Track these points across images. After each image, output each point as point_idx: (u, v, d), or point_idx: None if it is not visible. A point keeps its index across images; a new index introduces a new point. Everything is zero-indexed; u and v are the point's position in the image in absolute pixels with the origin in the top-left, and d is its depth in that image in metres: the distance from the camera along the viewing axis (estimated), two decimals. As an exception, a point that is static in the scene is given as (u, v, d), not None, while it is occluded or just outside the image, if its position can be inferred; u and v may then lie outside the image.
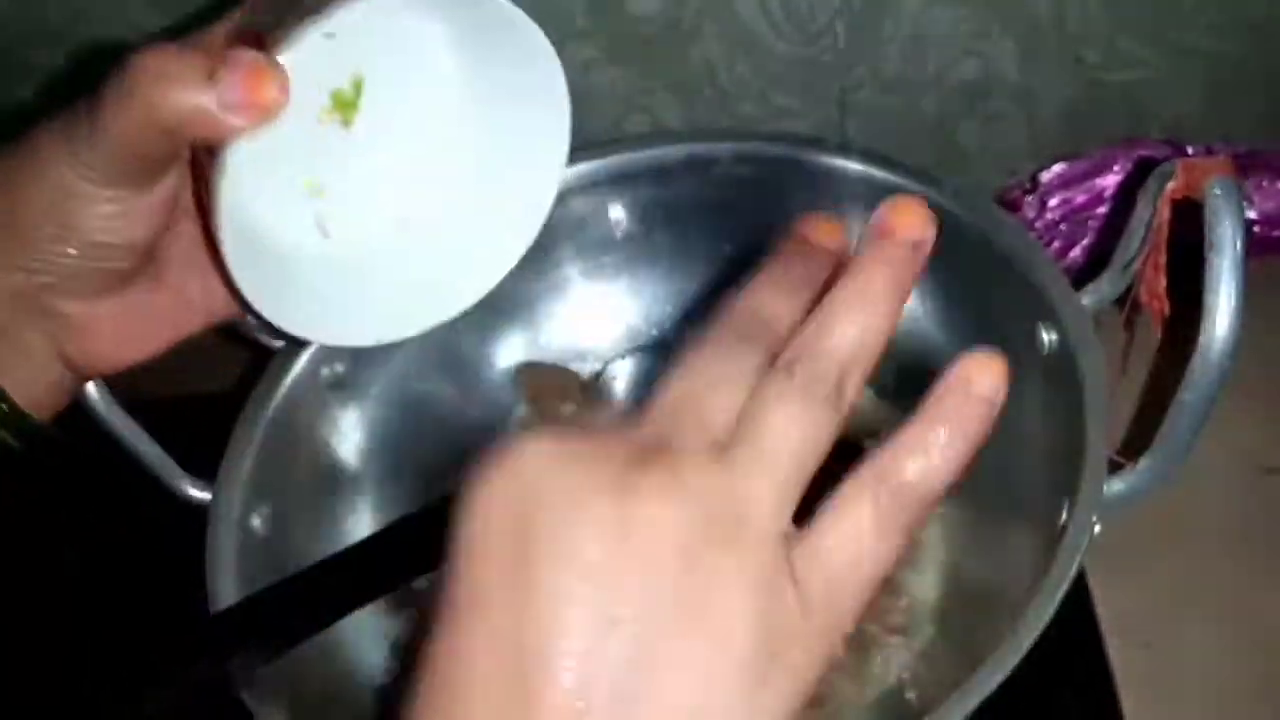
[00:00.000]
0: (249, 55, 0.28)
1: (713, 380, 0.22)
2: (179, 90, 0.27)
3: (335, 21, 0.30)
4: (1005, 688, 0.41)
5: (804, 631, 0.21)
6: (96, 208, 0.30)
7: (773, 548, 0.20)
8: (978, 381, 0.23)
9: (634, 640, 0.19)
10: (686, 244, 0.51)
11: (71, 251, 0.31)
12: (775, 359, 0.22)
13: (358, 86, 0.35)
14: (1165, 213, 0.34)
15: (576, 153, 0.51)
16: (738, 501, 0.20)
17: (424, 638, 0.21)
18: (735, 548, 0.20)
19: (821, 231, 0.28)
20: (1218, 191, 0.31)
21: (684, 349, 0.23)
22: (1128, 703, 0.43)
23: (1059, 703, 0.44)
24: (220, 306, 0.38)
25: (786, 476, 0.21)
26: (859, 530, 0.21)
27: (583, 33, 0.54)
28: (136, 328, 0.35)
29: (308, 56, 0.30)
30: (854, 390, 0.23)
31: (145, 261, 0.34)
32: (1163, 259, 0.35)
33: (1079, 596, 0.46)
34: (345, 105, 0.36)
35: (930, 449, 0.22)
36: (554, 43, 0.54)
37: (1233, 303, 0.30)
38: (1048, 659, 0.44)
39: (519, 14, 0.34)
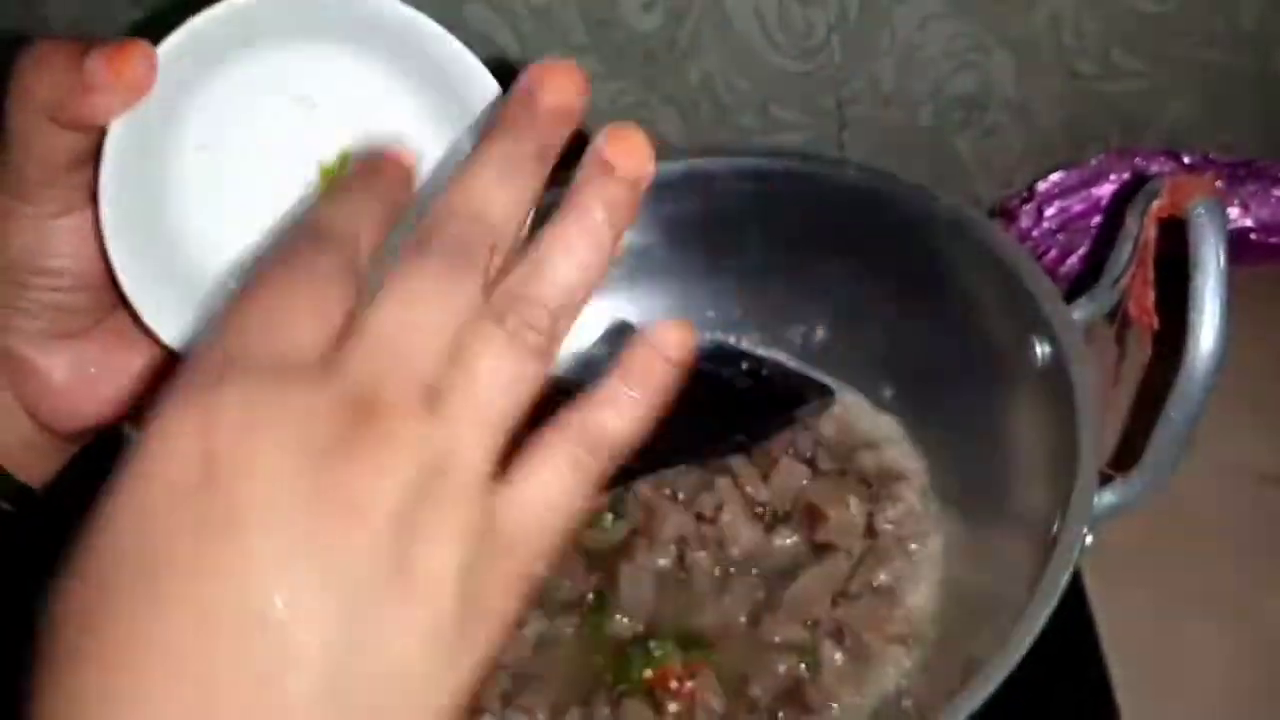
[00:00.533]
0: (126, 40, 0.27)
1: (423, 319, 0.21)
2: (49, 71, 0.26)
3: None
4: (1005, 695, 0.42)
5: (504, 574, 0.21)
6: (26, 227, 0.29)
7: (479, 499, 0.20)
8: (665, 344, 0.24)
9: (342, 614, 0.19)
10: (687, 257, 0.52)
11: (19, 281, 0.29)
12: (490, 284, 0.22)
13: (344, 159, 0.34)
14: (1151, 230, 0.35)
15: (575, 168, 0.52)
16: (447, 455, 0.20)
17: (65, 611, 0.19)
18: (444, 505, 0.20)
19: (553, 85, 0.25)
20: (1201, 212, 0.31)
21: (397, 272, 0.22)
22: (1126, 709, 0.43)
23: (1058, 710, 0.45)
24: None
25: (493, 427, 0.21)
26: (559, 479, 0.22)
27: (582, 47, 0.55)
28: (101, 379, 0.32)
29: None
30: (565, 332, 0.23)
31: (101, 303, 0.31)
32: (1150, 274, 0.36)
33: (1077, 605, 0.46)
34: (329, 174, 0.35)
35: (622, 404, 0.23)
36: (554, 56, 0.55)
37: (1216, 321, 0.31)
38: (1046, 666, 0.44)
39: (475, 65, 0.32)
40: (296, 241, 0.22)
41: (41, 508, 0.34)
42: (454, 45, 0.29)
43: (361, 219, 0.23)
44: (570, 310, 0.22)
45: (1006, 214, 0.57)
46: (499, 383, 0.21)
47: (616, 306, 0.53)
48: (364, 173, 0.25)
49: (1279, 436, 0.51)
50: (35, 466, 0.33)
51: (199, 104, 0.30)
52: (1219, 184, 0.38)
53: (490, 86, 0.30)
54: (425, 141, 0.31)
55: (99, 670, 0.18)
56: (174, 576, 0.18)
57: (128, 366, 0.32)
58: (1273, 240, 0.56)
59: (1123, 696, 0.44)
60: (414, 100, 0.31)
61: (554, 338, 0.22)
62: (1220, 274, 0.31)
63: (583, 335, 0.52)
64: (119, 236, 0.29)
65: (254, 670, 0.18)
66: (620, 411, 0.23)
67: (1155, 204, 0.34)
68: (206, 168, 0.31)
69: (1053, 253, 0.56)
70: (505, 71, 0.31)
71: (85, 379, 0.31)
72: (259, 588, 0.18)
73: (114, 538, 0.19)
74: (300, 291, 0.21)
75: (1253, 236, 0.56)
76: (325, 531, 0.19)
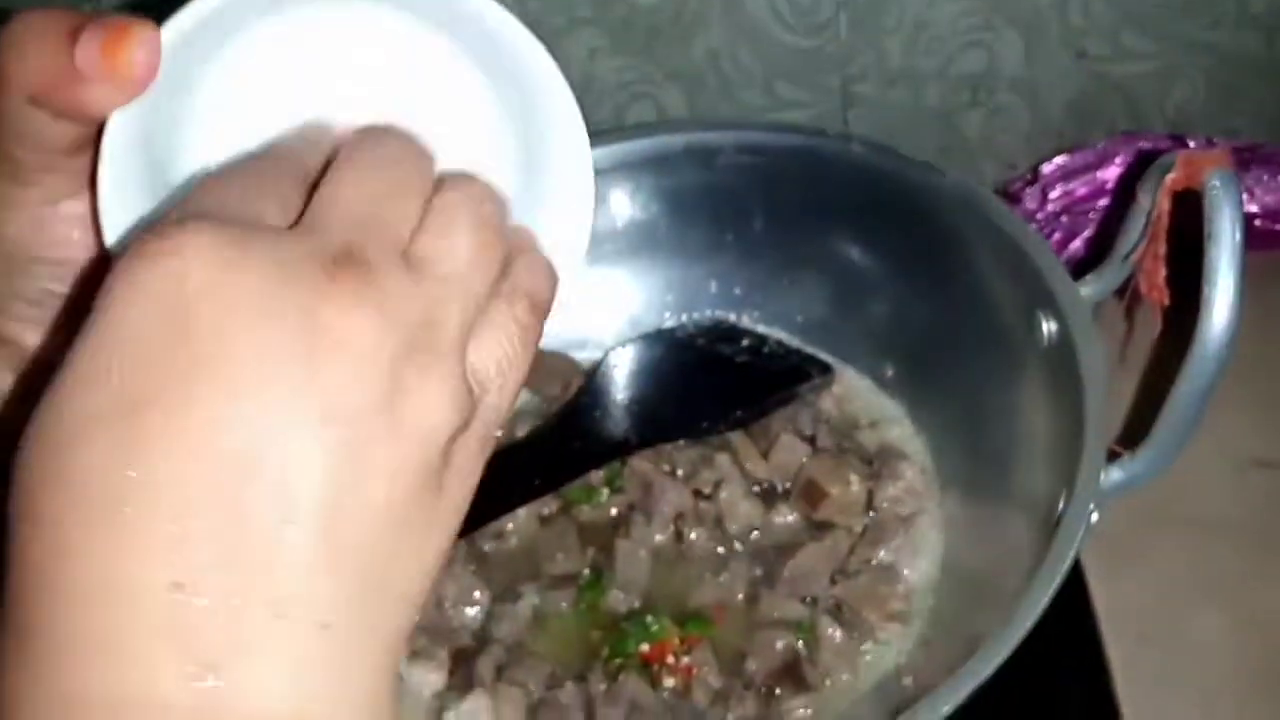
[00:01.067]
0: (120, 17, 0.24)
1: (388, 189, 0.22)
2: (34, 55, 0.23)
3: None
4: (1003, 678, 0.42)
5: (477, 436, 0.22)
6: (23, 213, 0.26)
7: (460, 359, 0.21)
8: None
9: (340, 450, 0.18)
10: (689, 231, 0.51)
11: (19, 269, 0.26)
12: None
13: None
14: (1165, 204, 0.34)
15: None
16: (433, 311, 0.20)
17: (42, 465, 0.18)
18: (430, 359, 0.20)
19: None
20: (1216, 183, 0.31)
21: (352, 147, 0.23)
22: (1124, 693, 0.43)
23: (1056, 693, 0.44)
24: None
25: (474, 295, 0.22)
26: (512, 340, 0.23)
27: (586, 20, 0.54)
28: None
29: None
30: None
31: None
32: (1162, 250, 0.35)
33: (1076, 589, 0.46)
34: None
35: (539, 264, 0.25)
36: (558, 30, 0.54)
37: (1231, 293, 0.31)
38: (1045, 650, 0.44)
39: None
40: (255, 154, 0.23)
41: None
42: (504, 16, 0.24)
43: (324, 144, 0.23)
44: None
45: (1011, 196, 0.57)
46: (477, 252, 0.22)
47: (616, 280, 0.53)
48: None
49: (1277, 422, 0.50)
50: None
51: (212, 77, 0.25)
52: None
53: (548, 67, 0.25)
54: (464, 116, 0.26)
55: (76, 525, 0.18)
56: (161, 419, 0.18)
57: None
58: (1277, 227, 0.56)
59: (1120, 680, 0.44)
60: (459, 74, 0.26)
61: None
62: (1236, 246, 0.31)
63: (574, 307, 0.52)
64: (117, 231, 0.25)
65: (246, 510, 0.18)
66: (538, 269, 0.24)
67: (1169, 177, 0.33)
68: (219, 148, 0.26)
69: (1056, 236, 0.56)
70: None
71: None
72: (254, 427, 0.18)
73: (89, 386, 0.18)
74: (263, 179, 0.22)
75: (1257, 223, 0.55)
76: (320, 370, 0.18)
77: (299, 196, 0.21)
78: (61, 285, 0.27)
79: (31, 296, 0.27)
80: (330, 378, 0.19)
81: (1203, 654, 0.44)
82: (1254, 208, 0.55)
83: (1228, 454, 0.49)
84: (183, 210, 0.20)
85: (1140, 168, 0.36)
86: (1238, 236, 0.31)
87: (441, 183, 0.23)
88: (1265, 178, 0.55)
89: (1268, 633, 0.44)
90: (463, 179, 0.23)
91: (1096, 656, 0.44)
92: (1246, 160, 0.55)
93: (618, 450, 0.45)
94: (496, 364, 0.22)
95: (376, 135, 0.23)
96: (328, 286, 0.19)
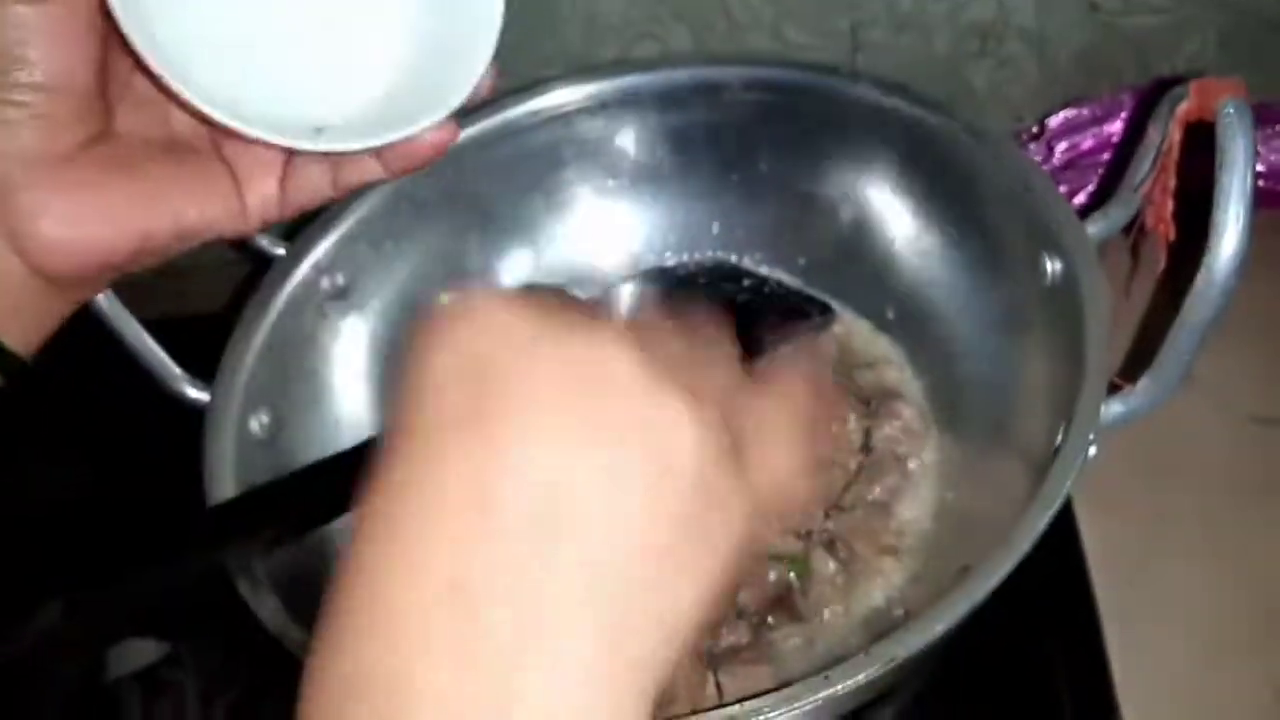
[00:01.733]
0: None
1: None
2: None
3: None
4: (992, 620, 0.42)
5: (733, 503, 0.21)
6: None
7: (724, 405, 0.21)
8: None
9: (608, 473, 0.20)
10: (693, 170, 0.51)
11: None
12: None
13: None
14: (1176, 135, 0.34)
15: (584, 74, 0.51)
16: (695, 350, 0.22)
17: (373, 478, 0.21)
18: (693, 398, 0.21)
19: None
20: (1230, 111, 0.31)
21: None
22: (1112, 638, 0.44)
23: (1044, 638, 0.45)
24: (187, 206, 0.33)
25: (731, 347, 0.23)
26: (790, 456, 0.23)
27: (595, -46, 0.53)
28: (96, 214, 0.31)
29: None
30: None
31: (87, 117, 0.30)
32: (1172, 182, 0.35)
33: (1067, 534, 0.46)
34: None
35: None
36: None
37: (1242, 220, 0.30)
38: (1034, 595, 0.45)
39: None
40: None
41: (33, 381, 0.34)
42: None
43: None
44: None
45: (1016, 148, 0.56)
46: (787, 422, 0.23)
47: (619, 218, 0.52)
48: None
49: (1273, 378, 0.50)
50: (27, 327, 0.31)
51: None
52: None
53: None
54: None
55: (383, 518, 0.20)
56: (449, 443, 0.20)
57: (124, 197, 0.30)
58: (1279, 188, 0.55)
59: (1109, 625, 0.44)
60: None
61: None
62: (1247, 174, 0.30)
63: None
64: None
65: (524, 537, 0.19)
66: None
67: (1181, 107, 0.33)
68: None
69: (1062, 189, 0.55)
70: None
71: (84, 211, 0.30)
72: (533, 449, 0.20)
73: (406, 417, 0.21)
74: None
75: (1261, 183, 0.55)
76: (591, 400, 0.20)
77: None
78: (36, 99, 0.28)
79: (9, 120, 0.28)
80: (583, 409, 0.20)
81: (1191, 602, 0.44)
82: (1260, 167, 0.55)
83: (1227, 409, 0.50)
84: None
85: (1148, 109, 0.36)
86: (1249, 165, 0.30)
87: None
88: (1272, 137, 0.55)
89: (1254, 581, 0.44)
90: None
91: (1086, 602, 0.45)
92: (1257, 119, 0.55)
93: None
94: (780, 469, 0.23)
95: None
96: (589, 326, 0.21)
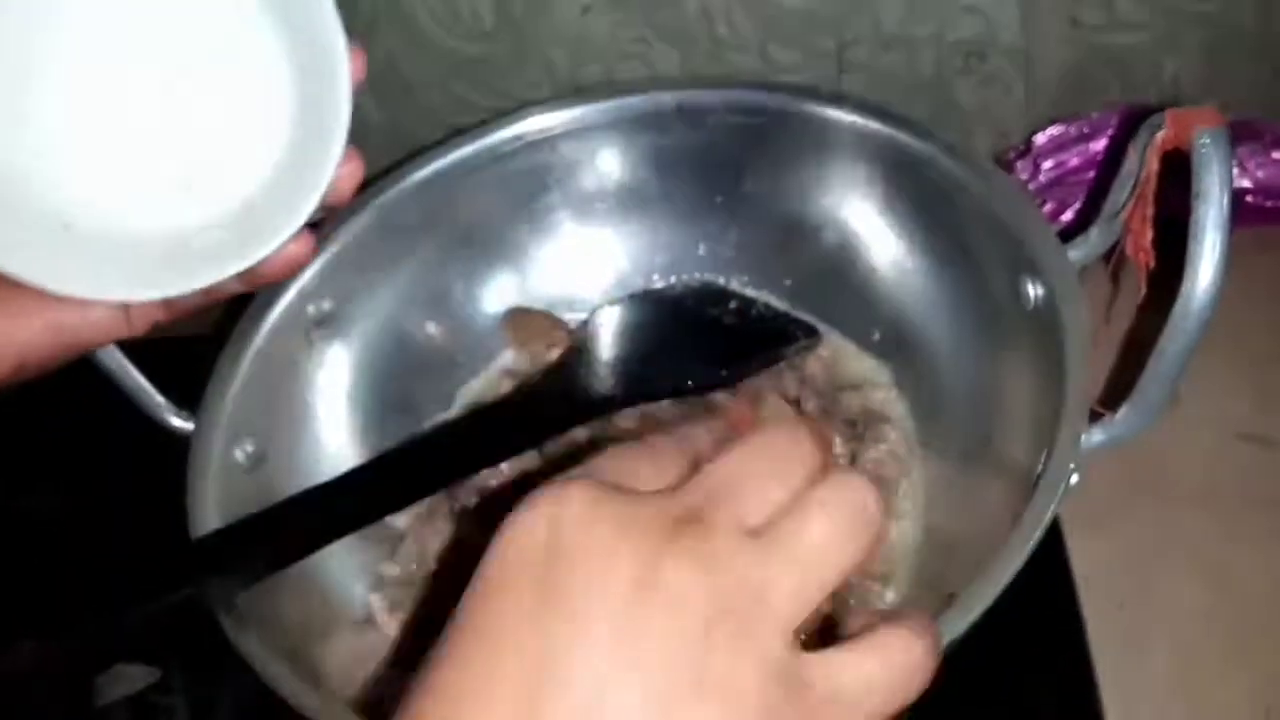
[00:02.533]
0: None
1: (762, 471, 0.22)
2: None
3: None
4: (979, 640, 0.42)
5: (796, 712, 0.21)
6: None
7: (788, 640, 0.21)
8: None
9: (644, 696, 0.20)
10: (678, 192, 0.51)
11: None
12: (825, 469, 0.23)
13: None
14: (1154, 164, 0.34)
15: (569, 98, 0.51)
16: (761, 585, 0.21)
17: (433, 641, 0.22)
18: (754, 628, 0.20)
19: None
20: (1206, 141, 0.31)
21: (749, 435, 0.23)
22: (1101, 660, 0.43)
23: (1033, 658, 0.45)
24: (63, 315, 0.31)
25: (810, 579, 0.21)
26: (878, 670, 0.22)
27: (580, -23, 0.53)
28: None
29: None
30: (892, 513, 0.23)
31: None
32: (1150, 211, 0.35)
33: (1055, 556, 0.46)
34: None
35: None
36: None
37: (1217, 251, 0.30)
38: (1023, 616, 0.44)
39: None
40: (784, 433, 0.24)
41: (13, 408, 0.33)
42: None
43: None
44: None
45: (1003, 166, 0.56)
46: (825, 542, 0.22)
47: (605, 241, 0.52)
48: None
49: (1261, 395, 0.50)
50: None
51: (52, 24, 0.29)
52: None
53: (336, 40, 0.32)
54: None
55: (434, 701, 0.21)
56: (507, 643, 0.20)
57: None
58: (1268, 204, 0.56)
59: (1097, 646, 0.44)
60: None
61: (887, 513, 0.24)
62: (1223, 204, 0.30)
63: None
64: None
65: None
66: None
67: (1159, 136, 0.33)
68: (59, 96, 0.31)
69: (1048, 207, 0.56)
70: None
71: None
72: (579, 663, 0.20)
73: (468, 607, 0.21)
74: (652, 452, 0.24)
75: (1248, 199, 0.55)
76: (638, 615, 0.20)
77: (678, 469, 0.23)
78: None
79: None
80: (646, 623, 0.20)
81: (1178, 620, 0.44)
82: (1245, 183, 0.55)
83: (1214, 426, 0.50)
84: (580, 471, 0.23)
85: (1131, 130, 0.36)
86: (1225, 194, 0.30)
87: (824, 477, 0.23)
88: (1257, 153, 0.55)
89: (1243, 601, 0.44)
90: (845, 478, 0.23)
91: (1075, 624, 0.45)
92: (1239, 135, 0.55)
93: (602, 408, 0.45)
94: (860, 689, 0.22)
95: (775, 427, 0.24)
96: (665, 543, 0.21)
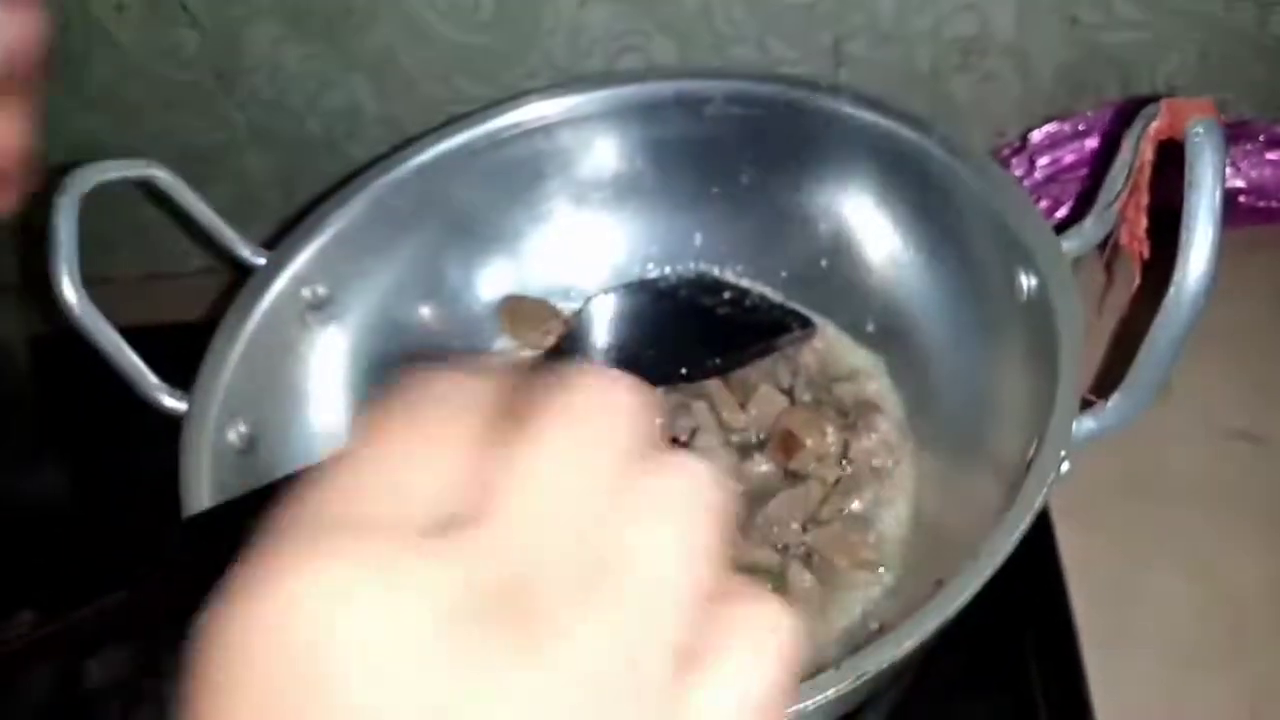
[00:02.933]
0: None
1: (589, 469, 0.17)
2: None
3: None
4: (969, 633, 0.42)
5: None
6: None
7: (670, 695, 0.16)
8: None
9: None
10: (675, 182, 0.51)
11: None
12: None
13: None
14: (1148, 153, 0.34)
15: (567, 86, 0.51)
16: (628, 651, 0.15)
17: None
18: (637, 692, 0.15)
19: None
20: (1199, 130, 0.31)
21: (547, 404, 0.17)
22: (1089, 654, 0.43)
23: (1022, 651, 0.45)
24: None
25: (677, 607, 0.16)
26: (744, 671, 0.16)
27: (581, -33, 0.53)
28: None
29: None
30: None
31: None
32: (1145, 200, 0.35)
33: (1045, 549, 0.46)
34: None
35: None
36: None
37: (1210, 239, 0.31)
38: (1012, 610, 0.45)
39: None
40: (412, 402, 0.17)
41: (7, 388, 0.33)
42: None
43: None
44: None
45: (999, 163, 0.56)
46: (674, 556, 0.16)
47: (601, 230, 0.53)
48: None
49: (1252, 393, 0.51)
50: None
51: None
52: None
53: None
54: None
55: None
56: None
57: None
58: (1260, 204, 0.56)
59: (1086, 639, 0.44)
60: None
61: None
62: (1216, 192, 0.30)
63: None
64: None
65: None
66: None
67: (1153, 125, 0.33)
68: None
69: (1043, 203, 0.56)
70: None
71: None
72: None
73: None
74: (422, 443, 0.17)
75: (1242, 199, 0.56)
76: None
77: (461, 467, 0.16)
78: None
79: None
80: None
81: (1169, 618, 0.44)
82: (1240, 183, 0.55)
83: (1208, 425, 0.50)
84: (307, 511, 0.16)
85: (1126, 124, 0.36)
86: (1218, 184, 0.31)
87: (657, 459, 0.17)
88: (1252, 153, 0.55)
89: (1233, 598, 0.45)
90: (678, 463, 0.17)
91: (1064, 618, 0.45)
92: (1234, 135, 0.55)
93: None
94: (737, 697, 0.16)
95: (578, 384, 0.17)
96: (485, 643, 0.15)
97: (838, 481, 0.44)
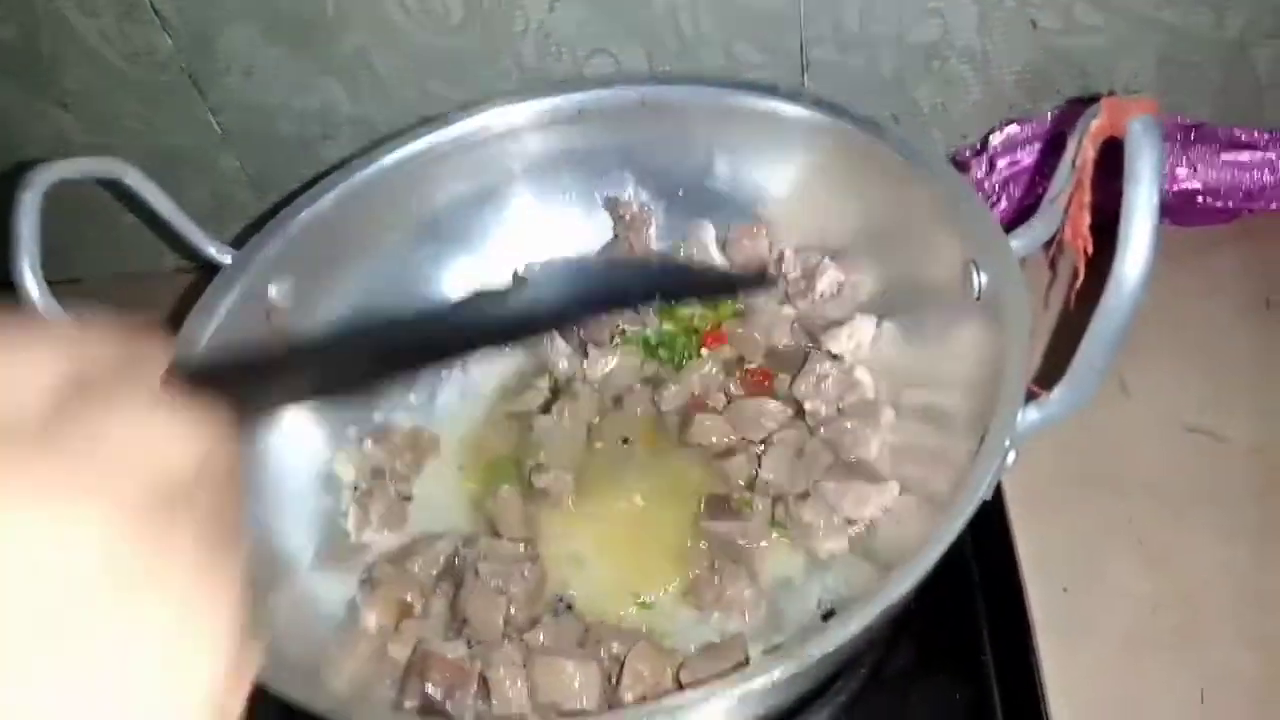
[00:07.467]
0: None
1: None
2: None
3: None
4: (924, 623, 0.43)
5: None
6: None
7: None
8: None
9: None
10: (640, 184, 0.52)
11: None
12: None
13: None
14: (1090, 151, 0.35)
15: (535, 91, 0.52)
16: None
17: None
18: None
19: None
20: (1138, 127, 0.32)
21: None
22: (1044, 643, 0.44)
23: (976, 641, 0.45)
24: None
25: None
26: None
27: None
28: None
29: None
30: None
31: None
32: (1087, 197, 0.36)
33: (1002, 542, 0.47)
34: None
35: None
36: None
37: (1148, 233, 0.31)
38: (968, 600, 0.45)
39: None
40: None
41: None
42: None
43: None
44: None
45: (960, 164, 0.57)
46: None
47: (565, 226, 0.53)
48: None
49: (1209, 389, 0.51)
50: None
51: None
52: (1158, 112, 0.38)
53: None
54: None
55: None
56: None
57: None
58: (1217, 204, 0.57)
59: (1041, 629, 0.45)
60: None
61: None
62: (1154, 187, 0.31)
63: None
64: None
65: None
66: None
67: (1094, 123, 0.34)
68: None
69: (1004, 204, 0.57)
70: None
71: None
72: None
73: None
74: None
75: (1199, 199, 0.57)
76: None
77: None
78: None
79: None
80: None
81: (1123, 608, 0.45)
82: (1196, 184, 0.56)
83: (1163, 418, 0.51)
84: None
85: (1076, 115, 0.37)
86: (1156, 180, 0.31)
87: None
88: (1208, 154, 0.56)
89: (1184, 588, 0.45)
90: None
91: (1019, 606, 0.45)
92: (1191, 138, 0.56)
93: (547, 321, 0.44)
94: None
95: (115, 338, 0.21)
96: None
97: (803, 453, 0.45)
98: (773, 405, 0.46)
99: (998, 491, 0.48)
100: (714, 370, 0.48)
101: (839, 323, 0.48)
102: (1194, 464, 0.49)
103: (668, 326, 0.51)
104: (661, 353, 0.50)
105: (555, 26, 0.56)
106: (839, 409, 0.46)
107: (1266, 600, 0.44)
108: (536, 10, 0.55)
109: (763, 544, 0.43)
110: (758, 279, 0.49)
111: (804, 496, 0.43)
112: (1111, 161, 0.36)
